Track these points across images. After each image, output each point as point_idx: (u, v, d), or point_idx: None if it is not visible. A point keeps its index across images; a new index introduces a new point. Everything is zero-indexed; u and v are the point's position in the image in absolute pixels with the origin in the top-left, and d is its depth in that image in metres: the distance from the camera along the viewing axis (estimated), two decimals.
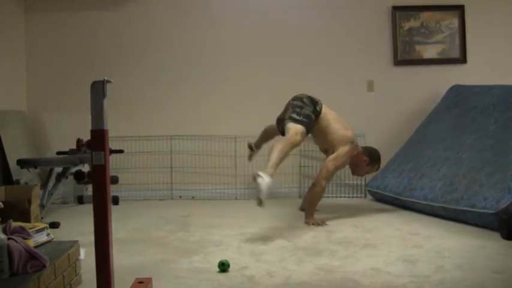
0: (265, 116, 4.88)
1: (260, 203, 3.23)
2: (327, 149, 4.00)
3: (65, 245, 2.30)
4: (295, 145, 3.65)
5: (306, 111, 3.79)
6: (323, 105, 3.91)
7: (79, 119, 4.03)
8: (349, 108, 5.07)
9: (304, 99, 3.86)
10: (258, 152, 4.49)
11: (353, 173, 4.21)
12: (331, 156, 3.87)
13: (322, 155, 4.27)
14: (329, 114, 3.93)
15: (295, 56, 5.12)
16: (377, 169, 4.15)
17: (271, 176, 3.27)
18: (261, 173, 3.23)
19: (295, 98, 3.90)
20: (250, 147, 4.51)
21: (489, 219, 3.27)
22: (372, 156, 4.03)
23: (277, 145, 3.53)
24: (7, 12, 4.86)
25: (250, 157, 4.56)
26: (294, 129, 3.66)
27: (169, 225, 3.71)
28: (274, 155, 3.42)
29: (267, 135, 4.37)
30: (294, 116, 3.75)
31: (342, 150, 3.85)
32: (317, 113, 3.86)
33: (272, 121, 4.48)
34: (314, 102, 3.88)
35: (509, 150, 3.58)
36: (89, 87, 1.75)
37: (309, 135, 3.97)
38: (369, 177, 4.76)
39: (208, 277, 2.46)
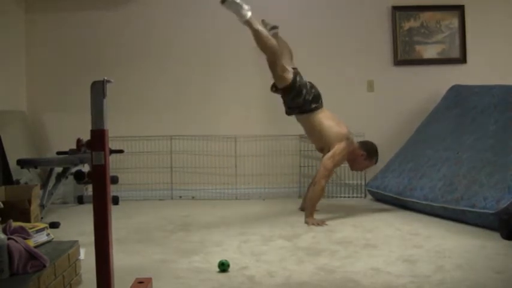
0: (265, 116, 4.89)
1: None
2: (323, 147, 4.03)
3: (65, 245, 2.30)
4: (271, 48, 3.79)
5: (303, 88, 3.91)
6: (321, 109, 4.00)
7: (79, 119, 4.01)
8: (349, 108, 5.07)
9: (314, 90, 3.99)
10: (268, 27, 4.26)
11: (352, 169, 4.22)
12: (328, 154, 3.88)
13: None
14: (321, 113, 3.98)
15: (295, 55, 5.10)
16: (375, 162, 4.14)
17: (248, 11, 3.72)
18: (250, 14, 3.73)
19: (312, 83, 4.03)
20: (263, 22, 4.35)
21: (489, 219, 3.27)
22: (368, 150, 4.04)
23: (271, 37, 3.86)
24: (7, 12, 4.86)
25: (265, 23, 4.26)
26: (285, 66, 3.91)
27: (169, 225, 3.71)
28: (260, 26, 3.83)
29: (275, 38, 4.13)
30: (298, 78, 3.93)
31: (338, 147, 3.87)
32: (307, 106, 3.94)
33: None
34: (315, 100, 3.96)
35: (509, 150, 3.57)
36: (89, 87, 1.75)
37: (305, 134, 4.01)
38: (369, 177, 4.76)
39: (208, 277, 2.46)
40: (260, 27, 3.83)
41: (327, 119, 3.97)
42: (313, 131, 4.04)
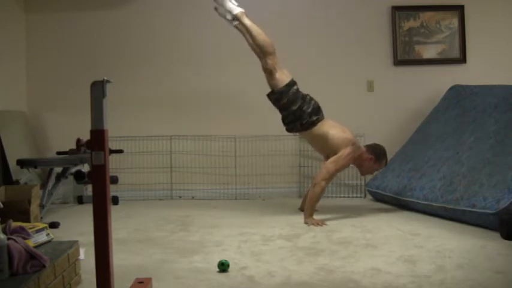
0: (265, 116, 4.88)
1: None
2: (329, 154, 3.98)
3: (65, 245, 2.30)
4: (265, 43, 3.87)
5: (298, 98, 3.87)
6: (323, 120, 3.95)
7: (79, 119, 4.02)
8: (349, 108, 5.08)
9: (313, 102, 3.94)
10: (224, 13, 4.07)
11: (362, 174, 4.22)
12: (333, 158, 3.87)
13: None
14: (324, 124, 3.94)
15: (295, 56, 5.10)
16: (385, 164, 4.11)
17: (238, 12, 3.93)
18: (239, 10, 3.93)
19: (311, 96, 3.98)
20: None
21: (489, 219, 3.27)
22: (376, 153, 4.01)
23: (263, 33, 3.91)
24: (7, 12, 4.86)
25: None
26: (280, 71, 3.92)
27: (169, 225, 3.71)
28: (255, 25, 3.92)
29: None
30: (296, 87, 3.91)
31: (344, 152, 3.85)
32: (307, 118, 3.88)
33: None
34: (316, 112, 3.92)
35: (510, 151, 3.57)
36: (89, 87, 1.75)
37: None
38: (368, 176, 4.76)
39: (208, 277, 2.46)
40: (250, 22, 3.93)
41: (331, 128, 3.92)
42: (320, 143, 3.99)
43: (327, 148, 3.96)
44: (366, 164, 4.02)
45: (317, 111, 3.93)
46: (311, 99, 3.96)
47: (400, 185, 4.25)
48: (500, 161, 3.57)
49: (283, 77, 3.90)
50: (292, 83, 3.91)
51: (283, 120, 4.02)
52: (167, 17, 5.15)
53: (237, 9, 3.94)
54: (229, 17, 3.96)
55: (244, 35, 4.04)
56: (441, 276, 2.39)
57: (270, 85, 3.95)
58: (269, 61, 3.87)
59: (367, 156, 3.99)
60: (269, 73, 3.90)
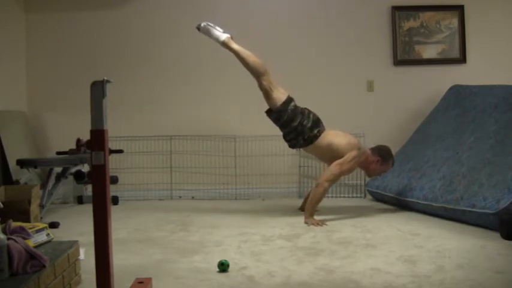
0: (265, 116, 4.88)
1: (199, 26, 3.95)
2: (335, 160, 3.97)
3: (65, 245, 2.30)
4: (256, 65, 3.85)
5: (297, 114, 3.85)
6: (325, 132, 3.94)
7: (79, 119, 4.03)
8: (349, 108, 5.08)
9: (312, 115, 3.92)
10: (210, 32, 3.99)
11: (370, 176, 4.22)
12: (338, 160, 3.85)
13: None
14: (327, 135, 3.93)
15: (295, 56, 5.12)
16: (392, 164, 4.10)
17: (224, 38, 3.89)
18: (226, 36, 3.89)
19: (310, 110, 3.96)
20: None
21: (489, 219, 3.27)
22: (382, 155, 4.01)
23: (252, 55, 3.88)
24: (7, 12, 4.86)
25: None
26: (276, 86, 3.88)
27: (169, 225, 3.71)
28: (243, 49, 3.88)
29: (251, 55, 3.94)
30: (294, 103, 3.88)
31: (349, 155, 3.85)
32: (309, 132, 3.87)
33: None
34: (316, 125, 3.91)
35: (510, 151, 3.57)
36: (89, 87, 1.75)
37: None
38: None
39: (208, 277, 2.46)
40: (239, 47, 3.88)
41: (334, 137, 3.92)
42: (326, 153, 3.96)
43: (333, 157, 3.92)
44: (373, 166, 4.01)
45: (317, 123, 3.92)
46: (309, 112, 3.94)
47: (400, 185, 4.25)
48: (500, 161, 3.57)
49: (280, 96, 3.87)
50: (289, 100, 3.89)
51: (285, 137, 4.00)
52: (167, 17, 5.15)
53: (223, 36, 3.89)
54: (218, 42, 3.92)
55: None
56: (441, 276, 2.39)
57: (268, 104, 3.93)
58: (263, 81, 3.85)
59: (373, 159, 3.99)
60: (265, 93, 3.88)
